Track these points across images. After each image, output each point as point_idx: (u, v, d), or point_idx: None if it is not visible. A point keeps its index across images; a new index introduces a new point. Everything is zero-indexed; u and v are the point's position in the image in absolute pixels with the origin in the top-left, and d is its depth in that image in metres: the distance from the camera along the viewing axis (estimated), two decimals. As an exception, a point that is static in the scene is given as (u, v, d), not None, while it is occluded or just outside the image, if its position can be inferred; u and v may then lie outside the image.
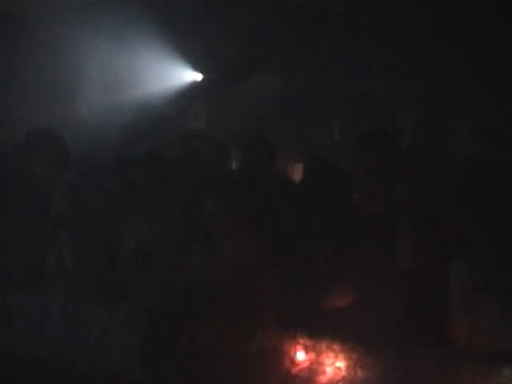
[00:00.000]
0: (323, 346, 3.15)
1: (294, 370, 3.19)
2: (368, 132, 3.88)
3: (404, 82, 6.80)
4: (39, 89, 6.76)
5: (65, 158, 4.66)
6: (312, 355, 3.16)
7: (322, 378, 3.14)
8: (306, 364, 3.17)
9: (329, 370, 3.13)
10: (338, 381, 3.11)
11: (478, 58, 5.97)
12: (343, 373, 3.10)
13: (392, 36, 6.46)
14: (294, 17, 6.67)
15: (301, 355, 3.19)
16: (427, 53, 6.31)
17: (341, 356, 3.11)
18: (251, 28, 6.86)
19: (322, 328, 3.24)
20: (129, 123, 6.37)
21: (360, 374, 3.06)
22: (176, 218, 4.00)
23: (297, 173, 6.60)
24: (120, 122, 6.34)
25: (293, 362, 3.19)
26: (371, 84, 6.93)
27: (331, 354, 3.13)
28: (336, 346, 3.12)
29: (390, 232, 3.50)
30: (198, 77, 7.44)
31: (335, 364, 3.12)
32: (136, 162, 4.41)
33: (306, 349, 3.17)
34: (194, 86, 7.36)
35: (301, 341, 3.19)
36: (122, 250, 4.19)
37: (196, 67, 7.38)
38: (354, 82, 7.04)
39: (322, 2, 6.59)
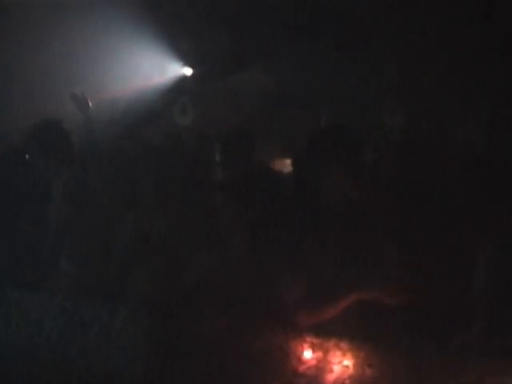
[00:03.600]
0: (330, 344, 3.17)
1: (301, 369, 3.20)
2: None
3: (394, 77, 6.83)
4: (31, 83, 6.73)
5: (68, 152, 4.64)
6: (319, 353, 3.18)
7: (330, 377, 3.15)
8: (313, 362, 3.18)
9: (336, 369, 3.15)
10: (346, 379, 3.13)
11: (469, 53, 6.01)
12: (351, 371, 3.12)
13: (381, 30, 6.48)
14: (282, 11, 6.66)
15: (308, 353, 3.21)
16: (418, 47, 6.33)
17: (348, 354, 3.14)
18: (239, 22, 6.85)
19: (330, 326, 3.27)
20: (118, 117, 6.35)
21: (368, 372, 3.09)
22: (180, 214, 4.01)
23: (285, 167, 6.60)
24: (109, 116, 6.31)
25: (300, 360, 3.21)
26: (361, 79, 6.94)
27: (338, 353, 3.15)
28: (343, 344, 3.14)
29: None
30: (186, 71, 7.43)
31: (342, 362, 3.15)
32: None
33: (313, 347, 3.19)
34: (182, 81, 7.35)
35: (308, 339, 3.21)
36: (123, 246, 4.18)
37: (184, 62, 7.37)
38: (344, 77, 7.05)
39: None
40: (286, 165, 6.57)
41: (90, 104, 5.04)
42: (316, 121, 6.96)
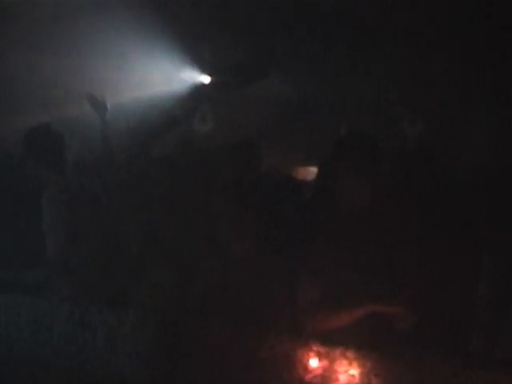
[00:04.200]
0: (337, 352, 3.14)
1: (307, 377, 3.17)
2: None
3: (411, 86, 6.80)
4: (43, 88, 6.76)
5: (61, 157, 4.60)
6: (325, 362, 3.15)
7: (336, 386, 3.13)
8: (319, 371, 3.15)
9: (342, 378, 3.12)
10: (352, 388, 3.10)
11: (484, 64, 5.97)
12: (357, 380, 3.09)
13: (400, 40, 6.45)
14: (301, 20, 6.66)
15: (314, 362, 3.18)
16: (435, 58, 6.30)
17: (354, 363, 3.10)
18: (258, 30, 6.85)
19: (336, 335, 3.24)
20: (137, 125, 6.35)
21: (374, 382, 3.05)
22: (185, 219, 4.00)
23: (304, 175, 6.60)
24: (128, 123, 6.32)
25: (306, 368, 3.18)
26: (379, 88, 6.92)
27: (345, 362, 3.12)
28: (350, 353, 3.10)
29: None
30: (205, 79, 7.43)
31: (349, 372, 3.11)
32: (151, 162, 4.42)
33: (320, 355, 3.16)
34: (201, 89, 7.35)
35: (314, 347, 3.18)
36: (129, 252, 4.19)
37: (204, 70, 7.37)
38: (363, 85, 7.03)
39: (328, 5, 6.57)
40: (304, 172, 6.58)
41: (108, 107, 5.03)
42: (334, 129, 6.94)
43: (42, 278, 4.30)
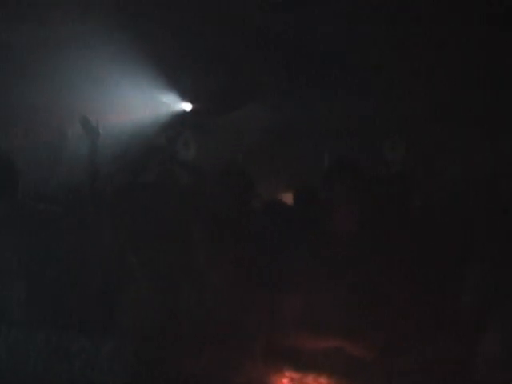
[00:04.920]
0: (310, 379, 3.16)
1: (282, 402, 3.19)
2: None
3: (393, 112, 6.86)
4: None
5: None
6: (298, 388, 3.17)
7: (308, 412, 3.14)
8: (293, 397, 3.18)
9: (315, 403, 3.14)
10: (324, 415, 3.11)
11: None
12: (329, 406, 3.11)
13: (381, 70, 6.52)
14: (282, 48, 6.72)
15: (287, 388, 3.20)
16: (416, 82, 6.37)
17: (327, 389, 3.13)
18: (240, 58, 6.91)
19: (309, 361, 3.25)
20: (118, 152, 6.36)
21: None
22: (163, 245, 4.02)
23: (287, 201, 6.61)
24: (110, 150, 6.32)
25: (280, 394, 3.20)
26: (360, 114, 6.98)
27: (318, 387, 3.14)
28: (323, 380, 3.13)
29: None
30: (187, 106, 7.48)
31: (321, 397, 3.13)
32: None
33: (293, 381, 3.18)
34: (183, 115, 7.40)
35: (287, 373, 3.20)
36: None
37: (185, 97, 7.42)
38: (343, 112, 7.09)
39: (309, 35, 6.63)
40: (287, 198, 6.59)
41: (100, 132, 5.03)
42: (317, 155, 6.99)
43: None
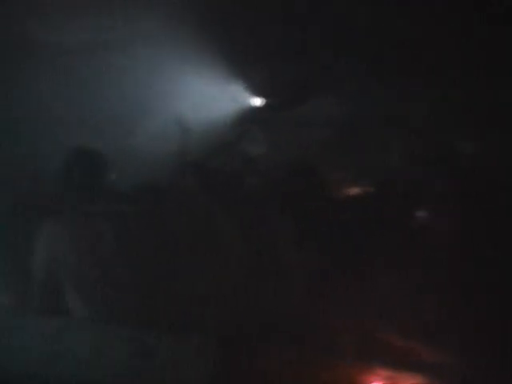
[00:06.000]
0: (402, 377, 3.04)
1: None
2: None
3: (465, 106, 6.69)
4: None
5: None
6: (388, 386, 3.06)
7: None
8: (384, 396, 3.06)
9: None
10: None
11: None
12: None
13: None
14: (354, 41, 6.60)
15: (377, 387, 3.09)
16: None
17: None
18: (311, 52, 6.81)
19: (401, 357, 3.14)
20: (187, 149, 6.34)
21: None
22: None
23: (354, 197, 6.51)
24: (178, 147, 6.30)
25: (370, 394, 3.08)
26: (431, 108, 6.82)
27: (410, 384, 3.03)
28: (416, 378, 3.01)
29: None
30: (256, 101, 7.40)
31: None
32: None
33: (385, 380, 3.07)
34: (253, 110, 7.32)
35: (378, 371, 3.09)
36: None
37: (254, 92, 7.35)
38: (413, 105, 6.94)
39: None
40: (361, 193, 6.49)
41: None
42: (389, 150, 6.84)
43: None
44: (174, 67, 6.46)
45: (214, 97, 7.23)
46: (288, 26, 6.58)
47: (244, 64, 6.89)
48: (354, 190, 6.35)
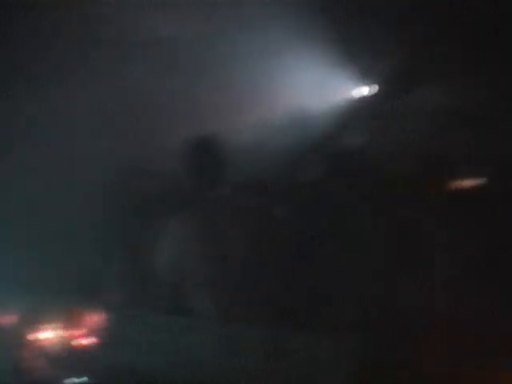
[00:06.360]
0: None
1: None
2: None
3: None
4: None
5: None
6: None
7: None
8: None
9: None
10: None
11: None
12: None
13: None
14: (463, 25, 6.40)
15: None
16: None
17: None
18: (416, 40, 6.64)
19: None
20: (289, 140, 6.24)
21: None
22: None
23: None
24: (278, 139, 6.21)
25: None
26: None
27: None
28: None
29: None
30: (364, 91, 7.25)
31: None
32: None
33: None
34: (358, 101, 7.17)
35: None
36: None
37: (361, 81, 7.19)
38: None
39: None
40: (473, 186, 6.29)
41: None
42: (501, 142, 6.61)
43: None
44: (287, 59, 6.36)
45: (316, 88, 7.11)
46: (393, 15, 6.44)
47: (349, 53, 6.75)
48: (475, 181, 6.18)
